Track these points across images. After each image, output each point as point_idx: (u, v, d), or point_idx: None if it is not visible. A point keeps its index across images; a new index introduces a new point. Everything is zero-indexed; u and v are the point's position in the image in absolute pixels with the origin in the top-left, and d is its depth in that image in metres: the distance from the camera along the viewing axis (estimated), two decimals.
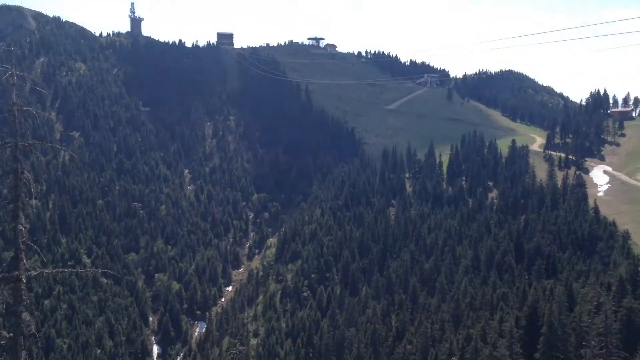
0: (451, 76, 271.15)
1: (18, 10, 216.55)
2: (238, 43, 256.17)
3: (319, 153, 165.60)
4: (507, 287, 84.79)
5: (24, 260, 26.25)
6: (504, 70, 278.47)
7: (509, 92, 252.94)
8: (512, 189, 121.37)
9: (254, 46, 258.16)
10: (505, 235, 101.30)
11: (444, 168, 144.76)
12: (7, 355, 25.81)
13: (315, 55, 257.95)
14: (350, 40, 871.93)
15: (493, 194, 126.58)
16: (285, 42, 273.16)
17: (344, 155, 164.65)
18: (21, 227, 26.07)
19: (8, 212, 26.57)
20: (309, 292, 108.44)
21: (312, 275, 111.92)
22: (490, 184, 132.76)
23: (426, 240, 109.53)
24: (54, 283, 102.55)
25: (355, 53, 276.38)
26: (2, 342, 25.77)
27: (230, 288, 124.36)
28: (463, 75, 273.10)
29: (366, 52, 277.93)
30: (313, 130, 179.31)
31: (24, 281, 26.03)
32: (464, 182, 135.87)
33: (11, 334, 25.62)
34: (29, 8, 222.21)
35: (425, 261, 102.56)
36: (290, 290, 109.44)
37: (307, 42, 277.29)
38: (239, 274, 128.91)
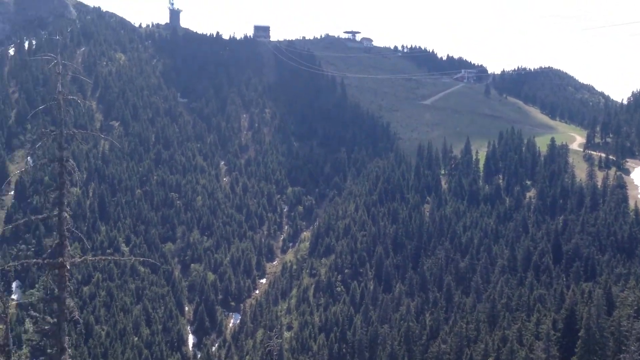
0: (489, 72, 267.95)
1: None
2: (275, 36, 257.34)
3: (354, 147, 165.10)
4: (544, 288, 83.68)
5: (68, 247, 26.58)
6: (543, 67, 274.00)
7: (548, 89, 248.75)
8: (550, 188, 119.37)
9: (290, 39, 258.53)
10: (543, 236, 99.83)
11: (481, 165, 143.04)
12: (51, 340, 26.23)
13: (351, 49, 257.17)
14: (387, 34, 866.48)
15: (531, 193, 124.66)
16: (321, 36, 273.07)
17: (378, 150, 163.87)
18: (65, 214, 26.41)
19: (53, 200, 26.93)
20: (342, 287, 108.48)
21: (346, 271, 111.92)
22: (528, 182, 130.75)
23: (461, 238, 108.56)
24: (94, 270, 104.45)
25: (392, 47, 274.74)
26: (46, 328, 26.20)
27: (264, 280, 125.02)
28: (501, 72, 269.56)
29: (402, 46, 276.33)
30: (348, 124, 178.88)
31: (68, 268, 26.37)
32: (501, 180, 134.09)
33: (55, 320, 26.01)
34: None
35: (461, 260, 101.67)
36: (323, 284, 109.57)
37: (343, 35, 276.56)
38: (273, 266, 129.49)
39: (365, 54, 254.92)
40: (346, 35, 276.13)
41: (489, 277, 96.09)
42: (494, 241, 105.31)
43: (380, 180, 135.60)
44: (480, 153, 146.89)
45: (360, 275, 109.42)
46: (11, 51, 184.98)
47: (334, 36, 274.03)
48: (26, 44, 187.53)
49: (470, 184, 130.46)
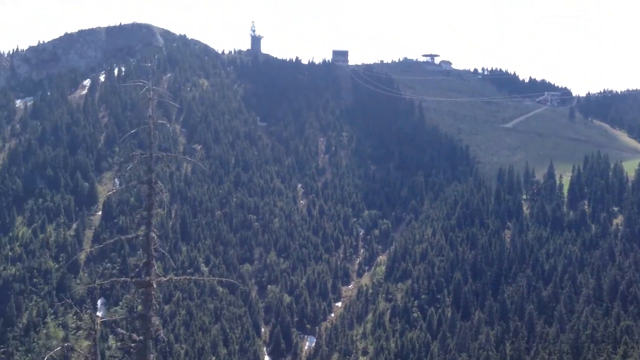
0: (573, 94, 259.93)
1: (148, 28, 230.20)
2: (353, 60, 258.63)
3: (432, 171, 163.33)
4: (632, 320, 79.76)
5: (155, 267, 27.43)
6: (630, 89, 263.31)
7: (637, 112, 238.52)
8: (639, 215, 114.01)
9: (369, 63, 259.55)
10: (631, 265, 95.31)
11: (565, 190, 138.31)
12: (137, 357, 26.98)
13: (430, 72, 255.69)
14: (467, 57, 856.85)
15: (618, 220, 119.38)
16: (399, 59, 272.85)
17: (457, 173, 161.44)
18: (153, 234, 27.32)
19: (139, 220, 27.90)
20: (419, 312, 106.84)
21: (423, 296, 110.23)
22: (615, 209, 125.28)
23: (544, 266, 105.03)
24: (174, 289, 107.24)
25: (472, 70, 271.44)
26: (131, 345, 27.01)
27: (339, 304, 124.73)
28: (586, 94, 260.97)
29: (483, 69, 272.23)
30: (426, 147, 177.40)
31: (154, 286, 27.19)
32: (586, 206, 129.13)
33: (141, 337, 26.79)
34: (158, 26, 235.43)
35: (543, 288, 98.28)
36: (399, 309, 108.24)
37: (421, 58, 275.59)
38: (349, 290, 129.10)
39: (444, 77, 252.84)
40: (425, 59, 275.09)
41: (573, 306, 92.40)
42: (579, 269, 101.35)
43: (458, 205, 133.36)
44: (564, 178, 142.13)
45: (438, 302, 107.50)
46: (102, 78, 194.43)
47: (413, 59, 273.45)
48: (116, 71, 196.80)
49: (553, 210, 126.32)
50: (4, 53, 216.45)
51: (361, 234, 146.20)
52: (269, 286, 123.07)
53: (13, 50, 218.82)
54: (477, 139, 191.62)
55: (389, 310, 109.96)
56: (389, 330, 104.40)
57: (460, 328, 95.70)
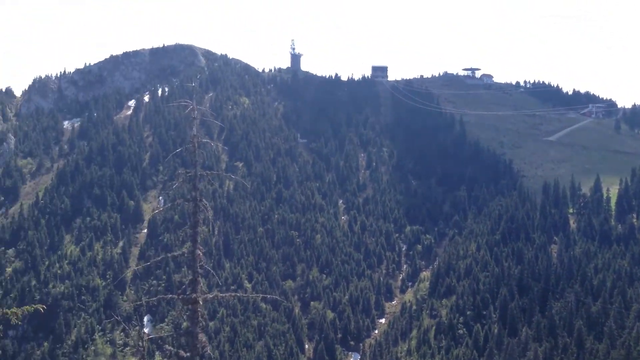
0: (619, 106, 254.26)
1: (190, 49, 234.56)
2: (392, 75, 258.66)
3: (474, 186, 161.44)
4: None
5: (201, 284, 27.80)
6: None
7: None
8: None
9: (408, 78, 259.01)
10: None
11: (612, 203, 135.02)
12: None
13: (471, 86, 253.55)
14: (508, 70, 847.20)
15: None
16: (439, 74, 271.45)
17: (500, 188, 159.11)
18: (199, 252, 27.74)
19: (187, 237, 28.36)
20: (464, 329, 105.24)
21: (468, 312, 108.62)
22: None
23: (593, 281, 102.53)
24: (218, 306, 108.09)
25: (513, 83, 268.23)
26: None
27: (383, 320, 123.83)
28: (632, 105, 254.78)
29: (525, 81, 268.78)
30: (468, 162, 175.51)
31: (201, 303, 27.54)
32: (634, 219, 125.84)
33: (188, 354, 27.13)
34: (200, 46, 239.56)
35: (592, 303, 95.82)
36: (444, 326, 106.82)
37: (462, 72, 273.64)
38: (392, 306, 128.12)
39: (485, 91, 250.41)
40: (465, 72, 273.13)
41: (624, 322, 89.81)
42: (629, 284, 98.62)
43: (503, 219, 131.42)
44: (612, 191, 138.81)
45: (484, 318, 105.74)
46: (146, 98, 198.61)
47: (453, 74, 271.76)
48: (159, 91, 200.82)
49: (601, 224, 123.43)
50: (52, 76, 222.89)
51: (404, 249, 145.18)
52: (311, 302, 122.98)
53: (60, 72, 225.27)
54: (520, 153, 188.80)
55: (434, 327, 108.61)
56: (434, 347, 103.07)
57: (507, 345, 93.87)
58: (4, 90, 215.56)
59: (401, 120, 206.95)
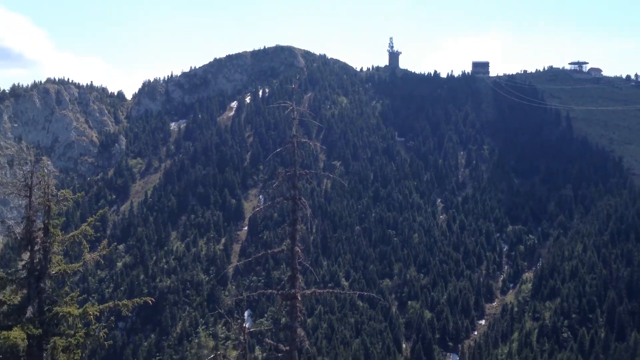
0: None
1: (290, 50, 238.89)
2: (494, 71, 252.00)
3: (581, 184, 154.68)
4: None
5: (300, 280, 28.46)
6: None
7: None
8: None
9: (511, 73, 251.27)
10: None
11: None
12: None
13: (577, 81, 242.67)
14: (619, 63, 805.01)
15: None
16: (544, 68, 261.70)
17: (609, 186, 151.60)
18: (297, 248, 28.40)
19: (285, 234, 29.09)
20: (569, 333, 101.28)
21: (573, 316, 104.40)
22: None
23: None
24: (316, 303, 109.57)
25: (624, 77, 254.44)
26: (278, 355, 28.14)
27: (483, 322, 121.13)
28: None
29: (636, 75, 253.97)
30: (574, 159, 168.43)
31: (299, 299, 28.19)
32: None
33: (287, 348, 27.85)
34: (299, 47, 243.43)
35: None
36: (548, 329, 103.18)
37: (568, 67, 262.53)
38: (492, 307, 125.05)
39: (593, 85, 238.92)
40: (571, 67, 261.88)
41: None
42: None
43: (612, 219, 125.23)
44: None
45: (590, 321, 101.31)
46: (247, 99, 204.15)
47: (558, 68, 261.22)
48: (260, 92, 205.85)
49: None
50: (160, 79, 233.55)
51: (505, 250, 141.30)
52: (409, 302, 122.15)
53: (168, 76, 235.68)
54: (631, 150, 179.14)
55: (536, 330, 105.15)
56: (537, 350, 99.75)
57: (614, 350, 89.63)
58: (116, 94, 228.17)
59: (503, 116, 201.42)
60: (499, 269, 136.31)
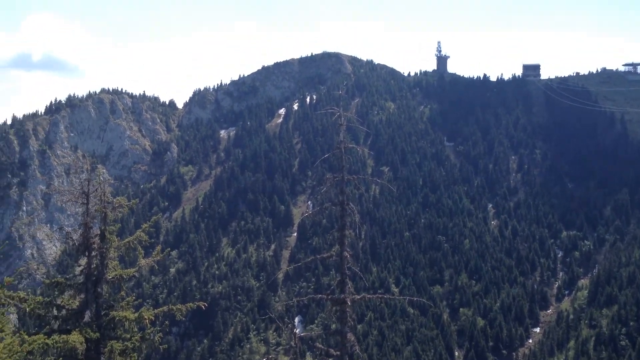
0: None
1: (337, 56, 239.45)
2: (545, 74, 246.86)
3: (637, 188, 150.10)
4: None
5: (349, 285, 28.49)
6: None
7: None
8: None
9: (563, 76, 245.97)
10: None
11: None
12: None
13: (633, 82, 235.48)
14: None
15: None
16: (597, 70, 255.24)
17: None
18: (346, 254, 28.45)
19: (334, 240, 29.14)
20: (627, 341, 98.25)
21: (631, 323, 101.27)
22: None
23: None
24: (366, 309, 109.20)
25: None
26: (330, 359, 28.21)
27: (537, 329, 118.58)
28: None
29: None
30: (630, 163, 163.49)
31: (349, 304, 28.22)
32: None
33: (338, 353, 27.89)
34: (346, 54, 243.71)
35: None
36: (605, 337, 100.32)
37: (622, 68, 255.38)
38: (547, 315, 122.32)
39: None
40: (625, 68, 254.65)
41: None
42: None
43: None
44: None
45: None
46: (295, 106, 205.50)
47: (612, 69, 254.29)
48: (307, 99, 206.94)
49: None
50: (209, 88, 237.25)
51: (559, 256, 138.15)
52: (460, 309, 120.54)
53: (217, 85, 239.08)
54: None
55: (593, 338, 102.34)
56: (594, 358, 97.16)
57: None
58: (167, 103, 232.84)
59: (555, 120, 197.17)
60: (554, 276, 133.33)
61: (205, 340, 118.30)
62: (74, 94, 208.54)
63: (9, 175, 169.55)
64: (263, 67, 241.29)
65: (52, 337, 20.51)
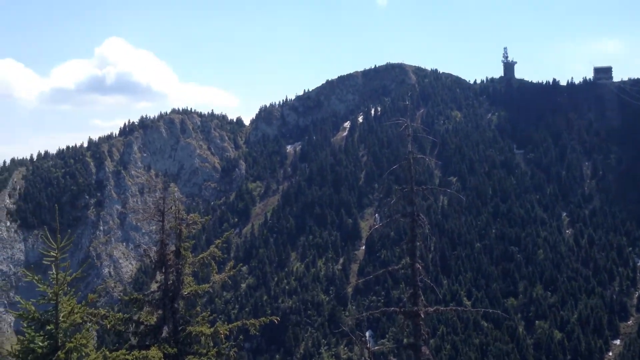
0: None
1: (400, 67, 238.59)
2: (618, 76, 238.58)
3: None
4: None
5: (422, 297, 28.13)
6: None
7: None
8: None
9: (636, 77, 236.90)
10: None
11: None
12: None
13: None
14: None
15: None
16: None
17: None
18: (418, 265, 28.11)
19: (404, 252, 28.86)
20: None
21: None
22: None
23: None
24: (437, 323, 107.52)
25: None
26: None
27: (617, 341, 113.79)
28: None
29: None
30: None
31: (422, 316, 27.84)
32: None
33: None
34: (409, 64, 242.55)
35: None
36: None
37: None
38: (627, 326, 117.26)
39: None
40: None
41: None
42: None
43: None
44: None
45: None
46: (360, 119, 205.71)
47: None
48: (372, 111, 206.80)
49: None
50: (275, 104, 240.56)
51: (639, 264, 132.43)
52: (536, 321, 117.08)
53: (282, 100, 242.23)
54: None
55: None
56: None
57: None
58: (234, 120, 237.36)
59: (630, 123, 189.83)
60: (633, 285, 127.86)
61: (277, 356, 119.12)
62: (146, 116, 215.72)
63: (87, 196, 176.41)
64: (327, 81, 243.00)
65: (132, 352, 21.08)
